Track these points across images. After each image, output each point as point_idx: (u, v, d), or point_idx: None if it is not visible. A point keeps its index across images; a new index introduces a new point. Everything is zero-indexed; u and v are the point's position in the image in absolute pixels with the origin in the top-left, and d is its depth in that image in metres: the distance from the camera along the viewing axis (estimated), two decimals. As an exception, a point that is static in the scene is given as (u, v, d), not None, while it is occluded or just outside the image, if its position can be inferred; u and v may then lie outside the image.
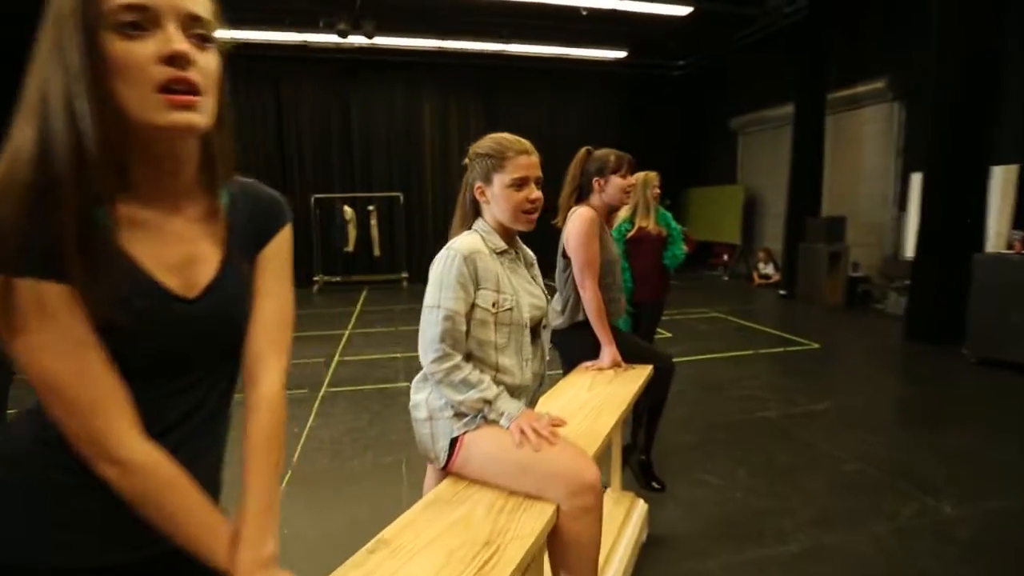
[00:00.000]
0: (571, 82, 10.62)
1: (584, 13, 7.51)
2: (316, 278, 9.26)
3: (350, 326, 6.40)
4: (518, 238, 1.49)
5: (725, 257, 10.41)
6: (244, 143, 9.48)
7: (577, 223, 2.09)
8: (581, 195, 2.20)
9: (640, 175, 3.57)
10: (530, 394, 1.46)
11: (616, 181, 2.13)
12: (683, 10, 7.57)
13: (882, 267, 7.30)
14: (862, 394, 3.94)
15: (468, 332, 1.30)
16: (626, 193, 2.15)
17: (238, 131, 0.71)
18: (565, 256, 2.15)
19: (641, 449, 2.25)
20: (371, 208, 9.52)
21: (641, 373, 2.05)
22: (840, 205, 7.87)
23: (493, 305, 1.30)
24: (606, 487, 2.14)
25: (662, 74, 10.79)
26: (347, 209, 9.31)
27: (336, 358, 5.01)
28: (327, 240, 9.36)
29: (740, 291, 8.83)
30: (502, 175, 1.34)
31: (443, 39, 8.82)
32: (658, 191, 3.48)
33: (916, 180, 6.16)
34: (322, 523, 2.34)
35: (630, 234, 3.47)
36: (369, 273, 9.64)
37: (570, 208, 2.16)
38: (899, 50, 6.88)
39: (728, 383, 4.16)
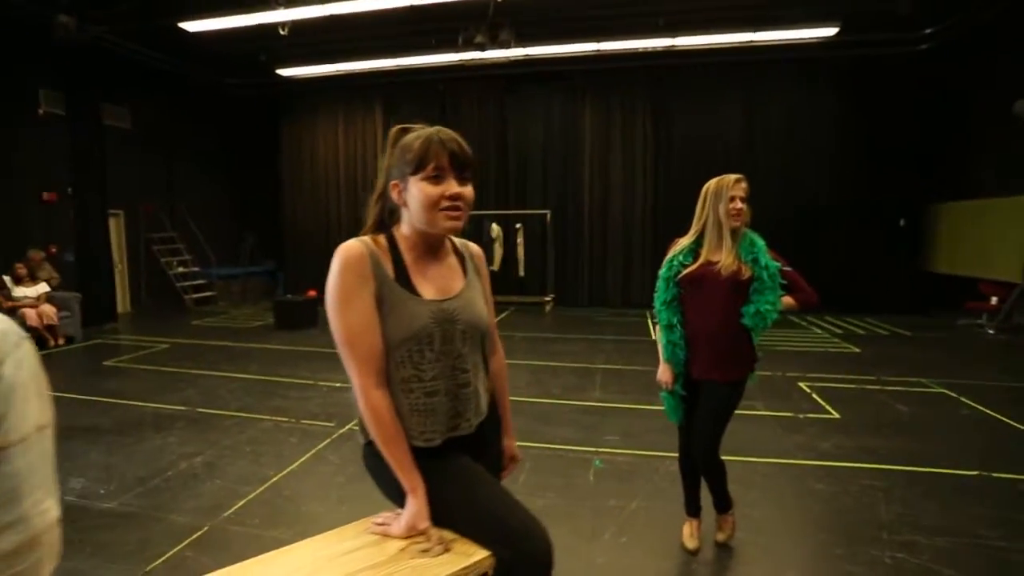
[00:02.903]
0: (765, 76, 8.67)
1: (759, -18, 5.92)
2: (461, 295, 9.31)
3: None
4: None
5: (994, 300, 7.29)
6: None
7: (331, 270, 1.12)
8: (383, 212, 1.24)
9: (712, 182, 2.27)
10: None
11: (421, 189, 1.12)
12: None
13: None
14: None
15: None
16: (445, 212, 1.12)
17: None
18: None
19: None
20: (518, 226, 9.23)
21: (454, 563, 1.01)
22: None
23: None
24: None
25: (894, 52, 8.02)
26: (494, 227, 9.13)
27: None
28: (475, 257, 9.37)
29: (1009, 354, 5.94)
30: None
31: (599, 41, 8.00)
32: (741, 206, 2.14)
33: None
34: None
35: (687, 271, 2.21)
36: (514, 293, 9.30)
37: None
38: None
39: (894, 527, 2.45)
